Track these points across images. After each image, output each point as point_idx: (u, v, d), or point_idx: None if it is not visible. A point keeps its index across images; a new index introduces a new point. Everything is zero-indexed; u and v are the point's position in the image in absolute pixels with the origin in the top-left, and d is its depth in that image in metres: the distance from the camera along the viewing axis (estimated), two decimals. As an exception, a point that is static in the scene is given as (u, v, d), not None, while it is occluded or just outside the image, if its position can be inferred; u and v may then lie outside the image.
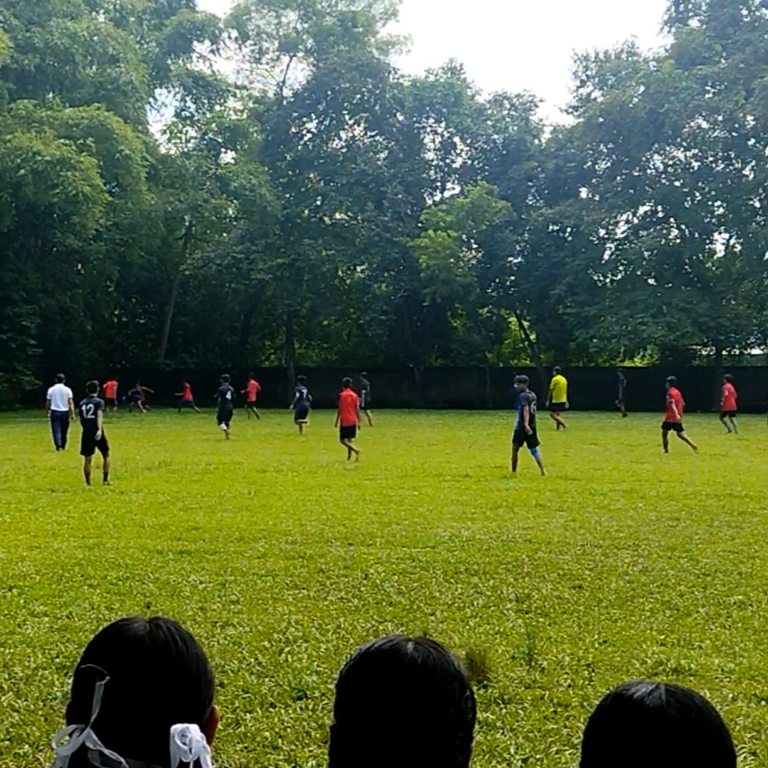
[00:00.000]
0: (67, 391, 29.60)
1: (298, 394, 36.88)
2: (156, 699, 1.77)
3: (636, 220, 56.77)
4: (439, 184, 64.16)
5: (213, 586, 10.52)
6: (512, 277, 59.55)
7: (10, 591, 10.35)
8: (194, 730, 1.75)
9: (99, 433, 20.53)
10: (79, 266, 59.36)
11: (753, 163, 53.26)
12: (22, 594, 10.22)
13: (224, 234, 66.34)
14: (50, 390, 29.97)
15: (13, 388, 50.84)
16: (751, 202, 53.54)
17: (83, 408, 21.01)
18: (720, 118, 51.69)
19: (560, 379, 37.86)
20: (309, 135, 63.47)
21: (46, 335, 52.98)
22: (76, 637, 8.50)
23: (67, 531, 14.14)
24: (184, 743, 1.72)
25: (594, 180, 57.46)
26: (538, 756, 5.94)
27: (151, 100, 62.08)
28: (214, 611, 9.47)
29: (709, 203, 54.59)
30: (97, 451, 20.57)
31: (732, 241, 56.37)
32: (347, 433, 25.65)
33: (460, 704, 1.75)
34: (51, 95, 51.69)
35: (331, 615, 9.32)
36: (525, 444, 21.69)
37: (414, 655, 1.74)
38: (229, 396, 33.84)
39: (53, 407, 29.22)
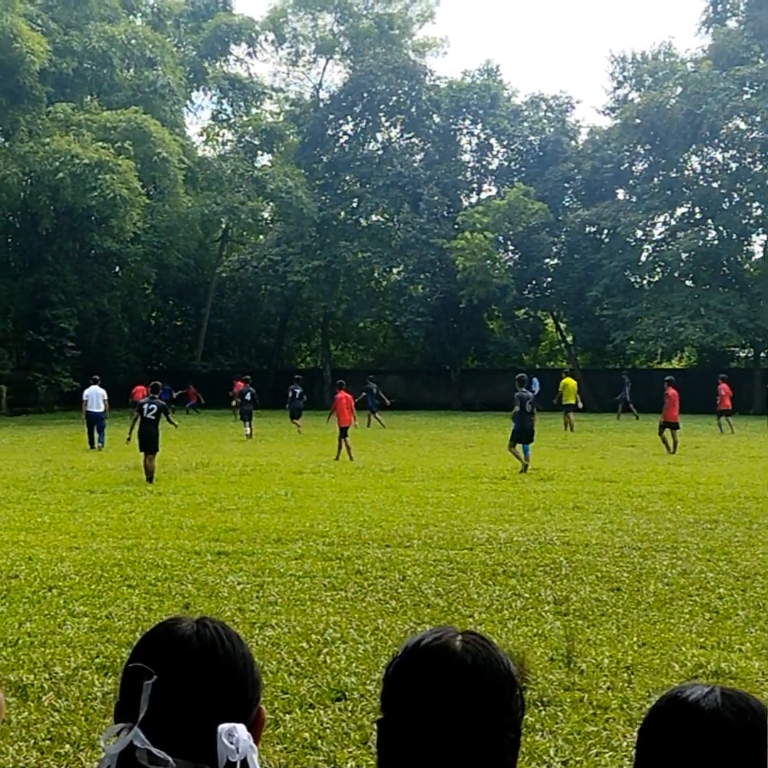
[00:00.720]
0: (102, 393, 29.88)
1: (290, 394, 37.22)
2: (203, 698, 1.78)
3: (673, 222, 56.38)
4: (475, 185, 64.07)
5: (251, 587, 10.54)
6: (549, 279, 59.30)
7: (50, 591, 10.41)
8: (241, 729, 1.75)
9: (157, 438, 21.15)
10: (117, 269, 59.80)
11: (792, 164, 52.83)
12: (61, 594, 10.27)
13: (260, 236, 66.57)
14: (86, 391, 30.31)
15: (52, 390, 51.22)
16: (790, 204, 53.16)
17: (145, 407, 21.28)
18: (758, 118, 51.29)
19: (569, 381, 37.88)
20: (345, 137, 63.56)
21: (84, 337, 53.38)
22: (116, 637, 8.55)
23: (106, 532, 14.21)
24: (232, 743, 1.73)
25: (631, 181, 57.17)
26: (577, 758, 5.92)
27: (188, 102, 62.44)
28: (253, 612, 9.49)
29: (747, 204, 54.20)
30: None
31: (770, 243, 55.99)
32: (344, 433, 26.15)
33: (510, 705, 1.73)
34: (89, 98, 52.03)
35: (369, 616, 9.32)
36: (520, 441, 22.38)
37: (463, 656, 1.72)
38: (248, 397, 34.15)
39: (88, 409, 29.55)
